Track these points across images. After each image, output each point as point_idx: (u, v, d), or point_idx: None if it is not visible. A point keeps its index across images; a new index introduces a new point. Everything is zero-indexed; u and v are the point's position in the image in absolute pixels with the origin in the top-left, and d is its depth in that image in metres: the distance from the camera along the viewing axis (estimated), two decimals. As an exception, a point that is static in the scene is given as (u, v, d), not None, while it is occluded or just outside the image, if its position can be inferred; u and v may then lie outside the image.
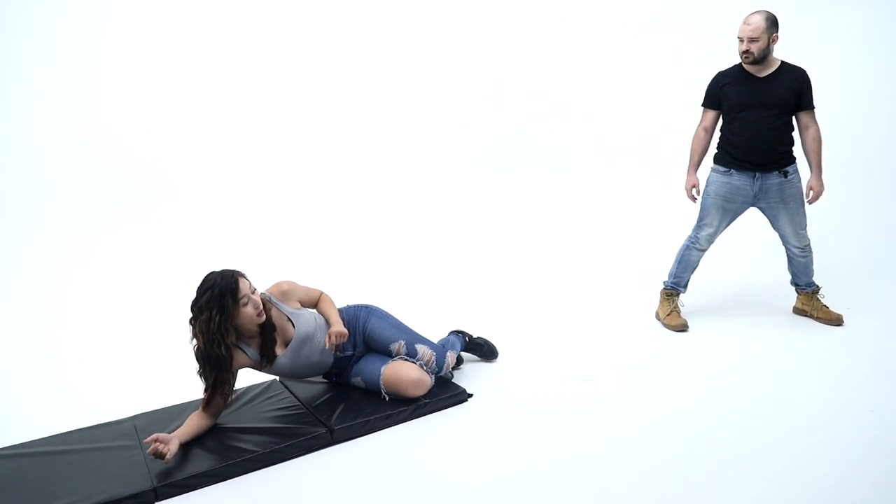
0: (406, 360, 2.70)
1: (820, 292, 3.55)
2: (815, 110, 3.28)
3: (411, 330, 2.80)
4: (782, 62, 3.23)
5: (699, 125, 3.47)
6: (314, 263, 4.58)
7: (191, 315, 2.35)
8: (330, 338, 2.52)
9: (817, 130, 3.27)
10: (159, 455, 2.18)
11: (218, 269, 2.41)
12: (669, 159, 4.73)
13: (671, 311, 3.50)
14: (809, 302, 3.54)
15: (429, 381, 2.67)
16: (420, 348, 2.72)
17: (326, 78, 5.59)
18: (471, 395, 2.76)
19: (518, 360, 3.13)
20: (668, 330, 3.46)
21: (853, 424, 2.46)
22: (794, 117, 3.28)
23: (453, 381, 2.87)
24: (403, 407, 2.58)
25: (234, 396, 2.66)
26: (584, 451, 2.33)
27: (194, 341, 2.36)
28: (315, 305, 2.69)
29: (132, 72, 5.15)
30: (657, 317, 3.58)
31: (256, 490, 2.17)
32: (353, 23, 5.59)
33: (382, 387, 2.64)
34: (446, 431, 2.52)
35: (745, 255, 4.51)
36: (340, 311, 2.74)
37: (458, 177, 5.74)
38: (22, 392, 2.92)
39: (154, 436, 2.22)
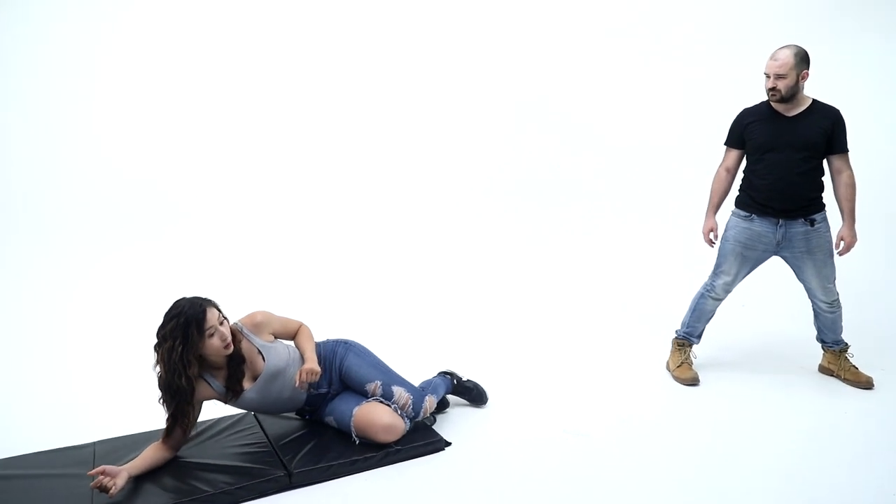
0: (381, 402, 2.55)
1: (849, 351, 3.25)
2: (850, 154, 3.03)
3: (390, 370, 2.65)
4: (814, 101, 2.99)
5: (721, 165, 3.25)
6: (307, 291, 4.47)
7: (156, 341, 2.26)
8: (300, 375, 2.39)
9: (851, 176, 3.01)
10: (103, 489, 2.08)
11: (190, 295, 2.33)
12: (689, 199, 4.44)
13: (682, 363, 3.26)
14: (836, 361, 3.24)
15: (402, 426, 2.51)
16: (397, 390, 2.56)
17: (325, 104, 5.47)
18: (449, 444, 2.59)
19: (507, 408, 2.93)
20: (677, 383, 3.21)
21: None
22: (825, 161, 3.04)
23: (433, 426, 2.70)
24: (372, 453, 2.42)
25: (201, 428, 2.57)
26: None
27: (157, 368, 2.27)
28: (293, 338, 2.57)
29: (131, 93, 5.10)
30: (668, 368, 3.34)
31: (200, 534, 2.05)
32: (364, 48, 5.49)
33: (353, 429, 2.49)
34: (416, 482, 2.35)
35: (775, 304, 4.19)
36: (318, 345, 2.61)
37: (461, 208, 5.53)
38: (8, 409, 2.89)
39: (100, 468, 2.13)
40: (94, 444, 2.49)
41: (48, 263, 4.58)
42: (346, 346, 2.65)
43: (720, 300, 3.24)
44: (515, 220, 5.53)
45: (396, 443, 2.48)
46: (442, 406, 2.87)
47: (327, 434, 2.55)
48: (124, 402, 2.88)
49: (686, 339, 3.31)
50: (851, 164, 3.03)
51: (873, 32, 5.08)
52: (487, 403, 2.95)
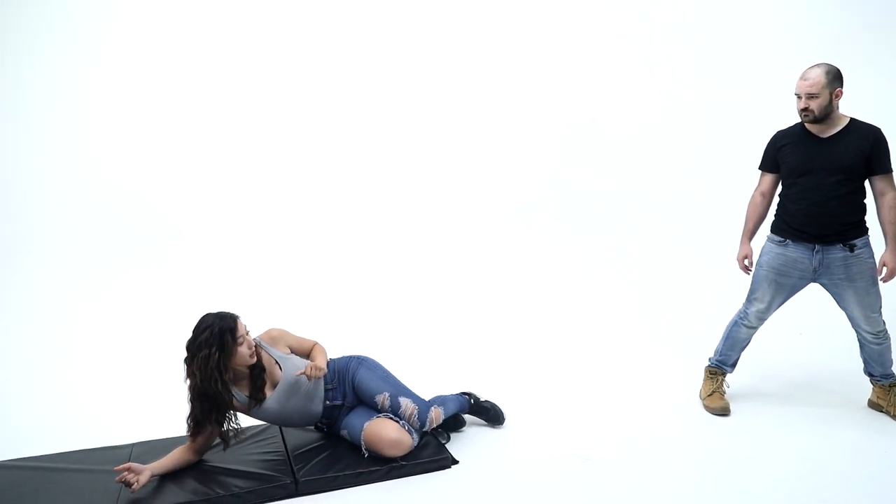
0: (391, 418, 2.64)
1: None
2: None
3: (399, 383, 2.75)
4: (851, 120, 2.86)
5: (756, 190, 3.15)
6: (323, 306, 4.62)
7: (187, 354, 2.45)
8: (307, 369, 2.53)
9: (895, 198, 2.85)
10: (127, 484, 2.28)
11: (213, 311, 2.52)
12: (727, 222, 4.27)
13: (713, 392, 3.15)
14: (886, 396, 3.04)
15: (409, 442, 2.59)
16: (403, 402, 2.66)
17: (337, 115, 5.60)
18: (456, 462, 2.64)
19: (524, 429, 2.95)
20: (706, 412, 3.11)
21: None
22: (868, 182, 2.89)
23: (447, 444, 2.76)
24: (377, 466, 2.51)
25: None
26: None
27: (188, 380, 2.46)
28: (307, 355, 2.72)
29: (132, 109, 5.34)
30: (700, 396, 3.24)
31: (207, 532, 2.20)
32: (372, 60, 5.63)
33: (363, 443, 2.59)
34: (419, 497, 2.42)
35: (832, 333, 3.94)
36: (332, 360, 2.75)
37: (484, 225, 5.56)
38: (53, 411, 3.19)
39: (126, 465, 2.34)
40: (133, 445, 2.73)
41: (75, 278, 4.92)
42: (359, 360, 2.77)
43: (754, 328, 3.13)
44: (543, 238, 5.53)
45: (403, 458, 2.56)
46: (458, 425, 2.92)
47: (341, 446, 2.67)
48: (163, 409, 3.11)
49: (719, 367, 3.21)
50: None
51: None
52: (504, 424, 2.98)
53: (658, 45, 5.58)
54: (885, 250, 2.88)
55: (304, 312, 4.48)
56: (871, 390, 3.14)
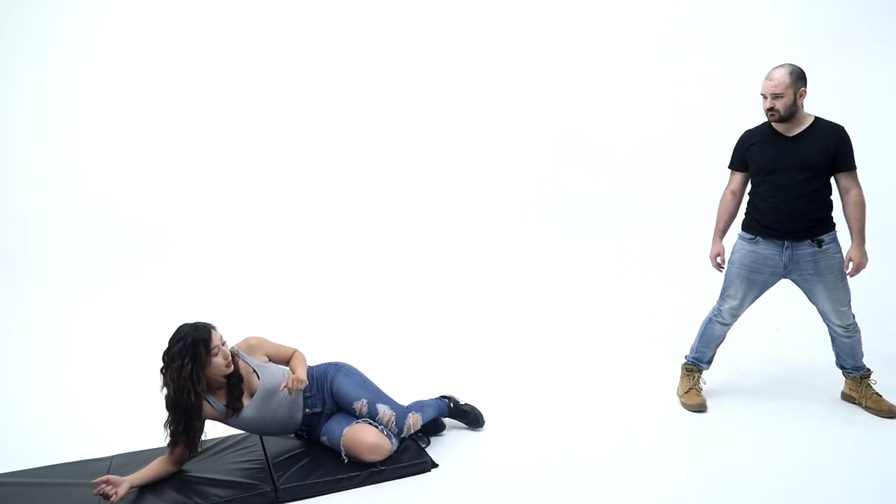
0: (369, 423, 2.66)
1: (872, 377, 3.10)
2: (860, 171, 2.92)
3: (377, 389, 2.77)
4: (816, 119, 2.92)
5: (726, 188, 3.20)
6: (306, 311, 4.63)
7: (162, 364, 2.47)
8: (288, 382, 2.54)
9: (859, 194, 2.90)
10: (106, 496, 2.28)
11: (190, 321, 2.53)
12: (703, 221, 4.33)
13: (689, 389, 3.20)
14: (858, 388, 3.09)
15: (388, 447, 2.61)
16: (381, 408, 2.67)
17: (327, 119, 5.59)
18: (436, 465, 2.66)
19: (502, 430, 2.97)
20: (683, 409, 3.15)
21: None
22: (833, 179, 2.95)
23: (427, 448, 2.78)
24: (357, 472, 2.53)
25: (207, 445, 2.75)
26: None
27: (164, 390, 2.47)
28: (287, 363, 2.74)
29: (125, 122, 5.32)
30: (677, 394, 3.28)
31: (186, 543, 2.21)
32: (379, 68, 5.64)
33: (342, 449, 2.61)
34: (398, 501, 2.43)
35: (808, 329, 3.99)
36: (311, 367, 2.76)
37: (462, 226, 5.57)
38: (33, 426, 3.17)
39: (105, 477, 2.34)
40: (112, 457, 2.72)
41: (65, 287, 4.89)
42: (337, 367, 2.78)
43: (728, 325, 3.17)
44: (525, 241, 5.55)
45: (382, 462, 2.58)
46: (438, 429, 2.94)
47: (320, 453, 2.67)
48: (142, 420, 3.08)
49: (695, 364, 3.25)
50: (864, 181, 2.93)
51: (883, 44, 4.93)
52: (484, 426, 3.00)
53: (651, 47, 5.63)
54: (851, 246, 2.94)
55: (294, 316, 4.52)
56: (843, 383, 3.20)
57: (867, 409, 3.03)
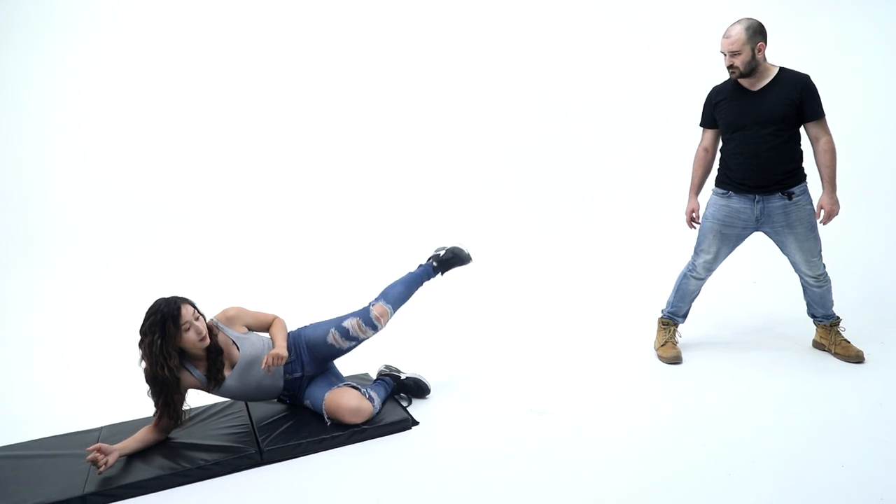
0: (351, 386, 2.73)
1: (841, 325, 3.18)
2: (830, 118, 2.94)
3: (338, 316, 2.85)
4: (781, 70, 2.92)
5: (699, 146, 3.24)
6: (296, 286, 4.69)
7: (139, 339, 2.52)
8: (267, 359, 2.59)
9: (829, 141, 2.92)
10: (96, 464, 2.35)
11: (168, 295, 2.57)
12: (681, 180, 4.39)
13: (665, 342, 3.28)
14: (828, 335, 3.18)
15: (369, 409, 2.68)
16: (347, 323, 2.78)
17: (316, 102, 5.59)
18: (416, 423, 2.74)
19: (481, 388, 3.05)
20: (660, 363, 3.23)
21: (830, 477, 2.19)
22: (804, 129, 2.98)
23: (408, 407, 2.86)
24: (339, 432, 2.60)
25: (194, 413, 2.81)
26: (515, 490, 2.24)
27: (142, 363, 2.52)
28: (268, 329, 2.79)
29: (124, 100, 5.32)
30: (654, 347, 3.36)
31: (179, 503, 2.28)
32: (358, 40, 5.60)
33: (325, 412, 2.68)
34: (382, 459, 2.51)
35: (784, 281, 4.09)
36: (289, 334, 2.81)
37: (440, 195, 5.60)
38: (26, 400, 3.23)
39: (96, 445, 2.39)
40: (101, 428, 2.79)
41: (53, 267, 4.93)
42: (303, 327, 2.86)
43: (702, 280, 3.24)
44: (500, 205, 5.56)
45: (365, 423, 2.65)
46: (422, 392, 3.00)
47: (304, 416, 2.75)
48: (129, 392, 3.11)
49: (671, 318, 3.32)
50: (832, 128, 2.95)
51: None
52: (462, 384, 3.09)
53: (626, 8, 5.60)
54: (822, 193, 2.98)
55: (278, 291, 4.57)
56: (815, 331, 3.28)
57: (836, 355, 3.12)
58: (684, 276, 3.28)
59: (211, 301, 3.06)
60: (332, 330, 2.77)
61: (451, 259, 3.07)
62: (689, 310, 3.33)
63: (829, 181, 2.96)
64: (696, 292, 3.29)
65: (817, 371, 3.02)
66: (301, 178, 5.58)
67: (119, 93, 5.34)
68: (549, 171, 5.67)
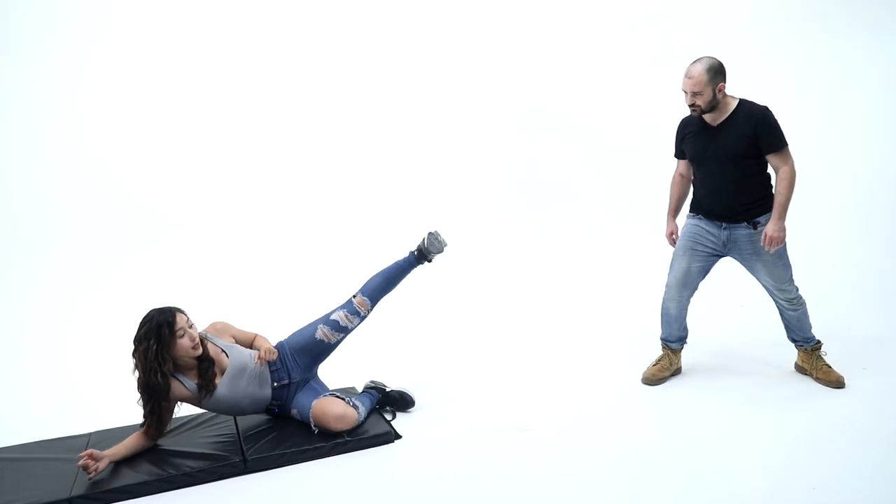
0: (336, 396, 2.80)
1: (822, 349, 3.22)
2: (798, 147, 3.01)
3: (320, 317, 2.96)
4: (740, 103, 2.94)
5: (675, 172, 3.33)
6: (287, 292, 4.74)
7: (133, 347, 2.59)
8: (260, 353, 2.71)
9: (788, 171, 2.89)
10: (87, 469, 2.41)
11: (159, 306, 2.65)
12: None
13: (656, 363, 3.31)
14: (809, 360, 3.21)
15: (354, 416, 2.75)
16: (335, 316, 2.94)
17: (315, 108, 5.59)
18: (399, 437, 2.79)
19: (466, 404, 3.10)
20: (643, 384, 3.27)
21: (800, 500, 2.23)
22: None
23: (393, 420, 2.92)
24: (322, 443, 2.66)
25: (183, 421, 2.88)
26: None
27: (136, 372, 2.59)
28: (250, 345, 2.89)
29: (123, 102, 5.28)
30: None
31: (160, 510, 2.34)
32: (361, 50, 5.62)
33: (312, 420, 2.74)
34: (362, 470, 2.56)
35: (772, 304, 4.14)
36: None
37: (433, 204, 5.61)
38: (17, 404, 3.31)
39: (87, 451, 2.46)
40: (90, 434, 2.85)
41: (49, 272, 4.92)
42: (285, 339, 2.96)
43: (677, 300, 3.23)
44: (495, 218, 5.60)
45: (348, 434, 2.71)
46: (406, 405, 3.06)
47: (289, 427, 2.80)
48: (119, 399, 3.13)
49: (664, 342, 3.34)
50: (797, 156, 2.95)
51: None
52: (446, 398, 3.15)
53: (630, 27, 5.69)
54: (770, 220, 2.95)
55: (276, 301, 4.63)
56: (797, 355, 3.32)
57: (817, 380, 3.16)
58: (663, 300, 3.31)
59: (206, 308, 3.15)
60: (321, 326, 2.89)
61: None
62: (679, 335, 3.31)
63: (779, 207, 2.92)
64: (678, 315, 3.27)
65: (797, 395, 3.06)
66: (299, 184, 5.55)
67: (119, 94, 5.30)
68: (542, 181, 5.69)
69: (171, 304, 2.65)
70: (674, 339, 3.33)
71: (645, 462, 2.53)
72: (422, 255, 3.13)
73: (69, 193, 5.23)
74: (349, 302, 2.98)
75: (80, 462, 2.43)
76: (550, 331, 4.06)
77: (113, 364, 3.62)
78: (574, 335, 3.98)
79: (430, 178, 5.74)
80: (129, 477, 2.46)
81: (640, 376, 3.31)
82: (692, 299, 3.30)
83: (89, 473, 2.42)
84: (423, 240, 3.14)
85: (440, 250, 3.16)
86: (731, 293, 4.20)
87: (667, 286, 3.26)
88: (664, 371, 3.28)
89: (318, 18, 5.56)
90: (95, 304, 4.66)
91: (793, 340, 3.26)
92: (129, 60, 5.31)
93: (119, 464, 2.55)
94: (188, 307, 2.72)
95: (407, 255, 3.15)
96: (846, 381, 3.11)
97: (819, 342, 3.21)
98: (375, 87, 5.68)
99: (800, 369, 3.28)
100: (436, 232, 3.15)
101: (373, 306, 3.01)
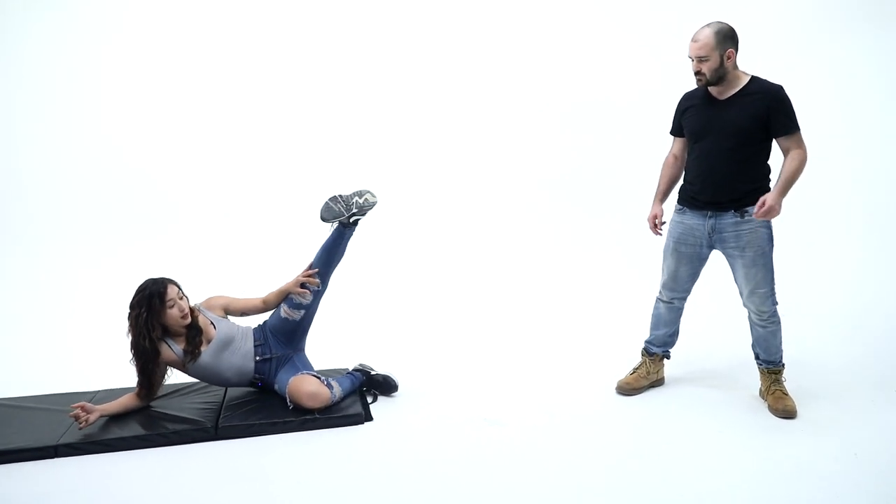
0: (312, 375, 2.95)
1: (783, 375, 2.98)
2: (807, 132, 2.73)
3: None
4: (752, 79, 2.73)
5: (669, 152, 3.11)
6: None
7: (127, 312, 2.82)
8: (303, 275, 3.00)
9: (800, 153, 2.68)
10: (78, 420, 2.66)
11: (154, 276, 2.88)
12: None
13: (633, 371, 3.24)
14: (766, 382, 2.97)
15: (326, 395, 2.89)
16: (292, 295, 3.04)
17: (327, 104, 5.56)
18: (370, 419, 2.90)
19: (441, 395, 3.17)
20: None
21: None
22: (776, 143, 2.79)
23: (373, 403, 3.05)
24: (292, 417, 2.80)
25: (178, 387, 3.11)
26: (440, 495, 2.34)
27: (129, 335, 2.82)
28: (259, 305, 3.09)
29: (132, 94, 5.32)
30: (628, 375, 3.35)
31: (133, 463, 2.56)
32: (380, 47, 5.57)
33: (287, 396, 2.89)
34: (327, 448, 2.68)
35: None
36: (252, 329, 3.10)
37: (427, 202, 5.55)
38: (32, 365, 3.63)
39: (80, 403, 2.71)
40: (96, 392, 3.12)
41: (64, 239, 5.14)
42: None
43: (669, 304, 3.16)
44: (491, 217, 5.51)
45: (319, 412, 2.85)
46: (389, 389, 3.17)
47: (270, 401, 2.98)
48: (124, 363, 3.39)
49: (647, 348, 3.25)
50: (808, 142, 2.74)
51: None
52: (425, 386, 3.25)
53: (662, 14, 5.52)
54: (771, 191, 2.74)
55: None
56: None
57: (769, 407, 2.92)
58: (655, 299, 3.23)
59: (207, 286, 3.34)
60: (283, 305, 3.05)
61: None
62: (665, 341, 3.22)
63: (784, 182, 2.69)
64: (668, 319, 3.18)
65: (752, 422, 2.84)
66: (301, 181, 5.49)
67: (122, 84, 5.37)
68: (540, 178, 5.58)
69: (165, 276, 2.87)
70: (658, 343, 3.22)
71: (612, 471, 2.50)
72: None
73: (69, 178, 5.31)
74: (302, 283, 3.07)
75: (72, 413, 2.67)
76: (549, 330, 4.10)
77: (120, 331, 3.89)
78: (573, 335, 4.00)
79: (430, 178, 5.63)
80: (111, 432, 2.69)
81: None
82: (688, 308, 3.20)
83: (80, 425, 2.66)
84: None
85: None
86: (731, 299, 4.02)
87: (660, 289, 3.19)
88: (640, 380, 3.19)
89: (338, 11, 5.54)
90: (101, 283, 4.80)
91: (756, 357, 3.04)
92: (133, 53, 5.36)
93: (110, 420, 2.79)
94: (191, 283, 2.93)
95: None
96: (797, 412, 2.85)
97: (780, 367, 2.98)
98: (376, 87, 5.58)
99: (761, 393, 3.06)
100: (350, 194, 3.18)
101: (324, 281, 3.09)
